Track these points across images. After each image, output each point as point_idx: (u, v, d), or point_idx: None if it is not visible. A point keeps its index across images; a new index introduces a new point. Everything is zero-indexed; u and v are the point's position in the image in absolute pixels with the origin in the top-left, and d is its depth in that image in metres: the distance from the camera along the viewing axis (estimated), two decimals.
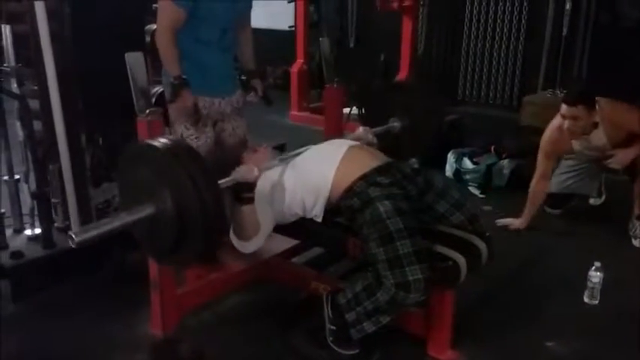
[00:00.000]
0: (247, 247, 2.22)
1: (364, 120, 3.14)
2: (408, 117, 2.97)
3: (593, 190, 3.57)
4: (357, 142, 2.44)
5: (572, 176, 3.46)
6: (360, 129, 2.67)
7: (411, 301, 1.95)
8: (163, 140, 1.81)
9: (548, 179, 3.32)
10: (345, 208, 2.13)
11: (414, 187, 2.19)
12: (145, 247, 2.00)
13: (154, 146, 1.79)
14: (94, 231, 1.77)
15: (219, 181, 2.15)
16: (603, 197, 3.64)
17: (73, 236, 1.69)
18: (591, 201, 3.65)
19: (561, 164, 3.45)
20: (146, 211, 1.77)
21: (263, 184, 2.21)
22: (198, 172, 1.72)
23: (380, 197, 2.02)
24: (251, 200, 2.11)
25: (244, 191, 2.07)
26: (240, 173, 2.05)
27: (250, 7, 2.65)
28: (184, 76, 2.33)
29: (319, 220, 2.21)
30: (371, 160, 2.21)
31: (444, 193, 2.26)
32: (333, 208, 2.18)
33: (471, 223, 2.26)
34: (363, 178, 2.11)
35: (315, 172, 2.22)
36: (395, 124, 2.97)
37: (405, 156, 3.26)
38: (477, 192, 3.98)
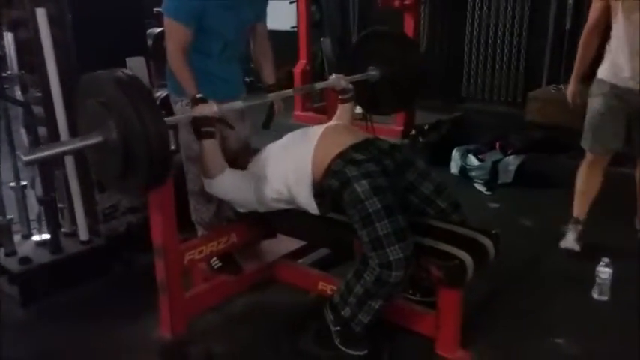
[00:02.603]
0: (212, 185, 2.29)
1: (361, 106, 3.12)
2: (387, 66, 2.92)
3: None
4: (335, 122, 2.47)
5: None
6: (333, 76, 2.66)
7: (395, 279, 1.97)
8: (116, 73, 1.89)
9: (600, 29, 2.87)
10: (327, 189, 2.14)
11: (391, 162, 2.20)
12: (96, 174, 2.09)
13: (106, 78, 1.88)
14: (43, 152, 1.90)
15: (180, 116, 2.30)
16: None
17: (22, 157, 1.80)
18: None
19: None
20: (94, 139, 1.89)
21: (252, 166, 2.35)
22: (143, 106, 1.82)
23: (357, 177, 2.04)
24: (211, 134, 2.20)
25: (203, 126, 2.18)
26: (198, 109, 2.16)
27: (259, 19, 2.58)
28: (201, 95, 2.25)
29: (315, 212, 2.21)
30: (347, 138, 2.22)
31: (426, 174, 2.27)
32: (319, 192, 2.19)
33: (455, 209, 2.28)
34: (340, 156, 2.13)
35: (294, 153, 2.25)
36: (373, 72, 2.93)
37: (384, 108, 3.27)
38: (482, 189, 3.97)
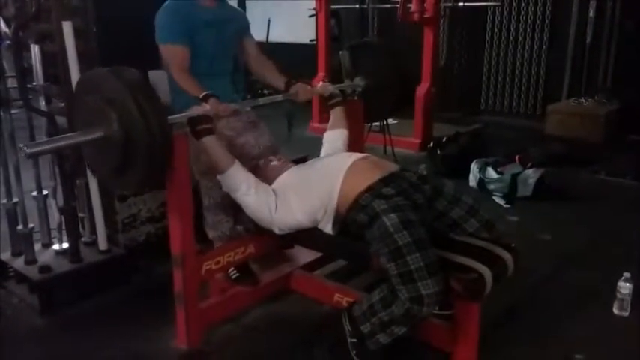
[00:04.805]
0: (224, 179, 2.29)
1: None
2: (372, 76, 3.06)
3: None
4: (363, 154, 2.43)
5: None
6: (320, 83, 2.86)
7: (425, 313, 1.93)
8: (120, 71, 1.93)
9: None
10: (352, 222, 2.12)
11: (421, 195, 2.15)
12: (92, 169, 2.20)
13: (110, 75, 1.92)
14: (44, 146, 1.97)
15: (175, 116, 2.31)
16: None
17: (25, 149, 1.84)
18: None
19: None
20: (96, 134, 1.95)
21: (276, 189, 2.32)
22: (147, 102, 1.86)
23: (386, 211, 1.99)
24: (208, 132, 2.23)
25: (198, 125, 2.21)
26: (193, 110, 2.22)
27: (243, 35, 2.67)
28: (208, 92, 2.32)
29: (330, 232, 2.21)
30: (376, 171, 2.19)
31: (457, 200, 2.20)
32: (343, 221, 2.18)
33: (487, 230, 2.21)
34: (369, 190, 2.10)
35: (321, 184, 2.23)
36: (359, 82, 3.05)
37: (370, 117, 3.41)
38: (501, 202, 3.93)
